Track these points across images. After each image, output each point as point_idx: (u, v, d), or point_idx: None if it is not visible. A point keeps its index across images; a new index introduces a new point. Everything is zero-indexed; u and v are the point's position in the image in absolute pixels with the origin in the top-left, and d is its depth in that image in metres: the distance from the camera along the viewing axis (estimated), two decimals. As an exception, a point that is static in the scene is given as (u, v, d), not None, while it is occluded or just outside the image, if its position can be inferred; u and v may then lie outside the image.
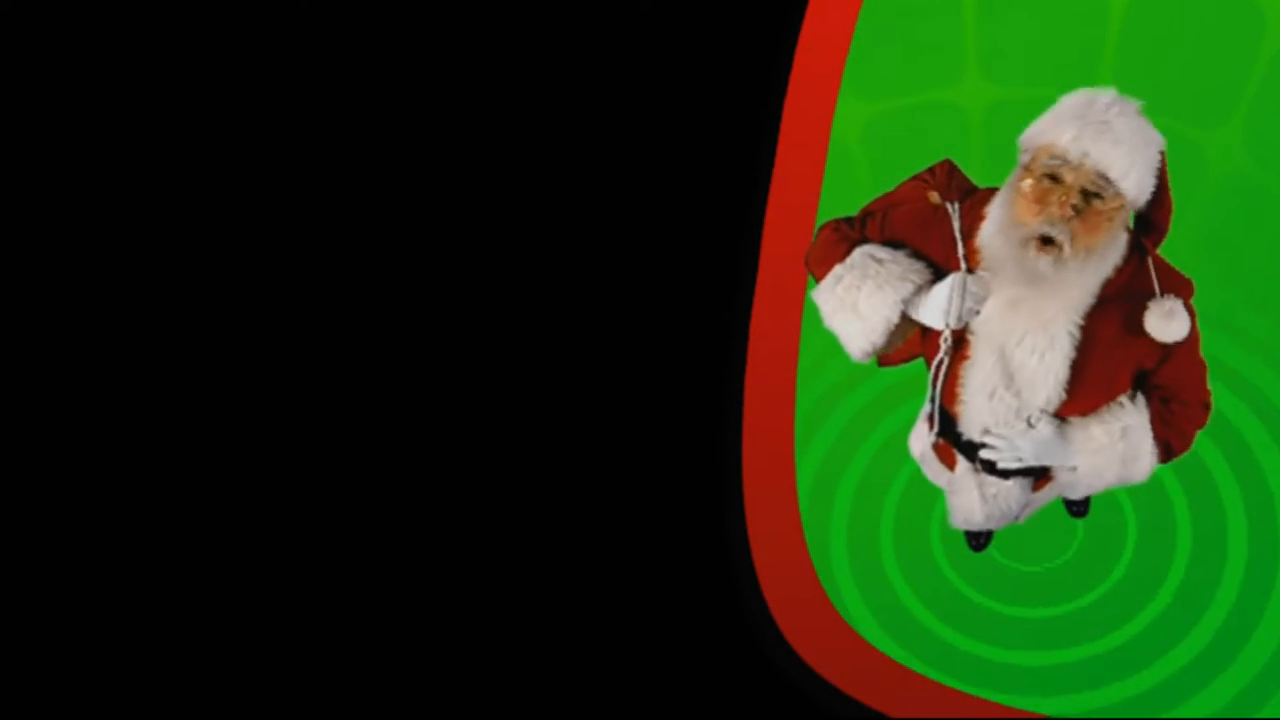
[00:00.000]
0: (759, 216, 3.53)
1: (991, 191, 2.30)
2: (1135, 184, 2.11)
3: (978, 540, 3.25)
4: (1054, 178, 2.10)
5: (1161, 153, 2.17)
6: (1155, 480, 3.17)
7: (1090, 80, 3.40)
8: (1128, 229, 2.22)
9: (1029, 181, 2.12)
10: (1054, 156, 2.10)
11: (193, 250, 3.63)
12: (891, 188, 2.50)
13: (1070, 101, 2.15)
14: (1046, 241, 2.11)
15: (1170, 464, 3.14)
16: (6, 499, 3.42)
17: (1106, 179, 2.09)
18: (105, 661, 3.27)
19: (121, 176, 3.69)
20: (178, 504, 3.41)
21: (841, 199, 3.48)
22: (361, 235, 3.63)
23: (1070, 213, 2.08)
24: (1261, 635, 3.13)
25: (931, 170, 2.49)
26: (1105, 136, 2.09)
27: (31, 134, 3.71)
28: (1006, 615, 3.21)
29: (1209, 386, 2.38)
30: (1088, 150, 2.08)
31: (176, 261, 3.62)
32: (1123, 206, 2.13)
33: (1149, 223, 2.25)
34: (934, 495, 3.22)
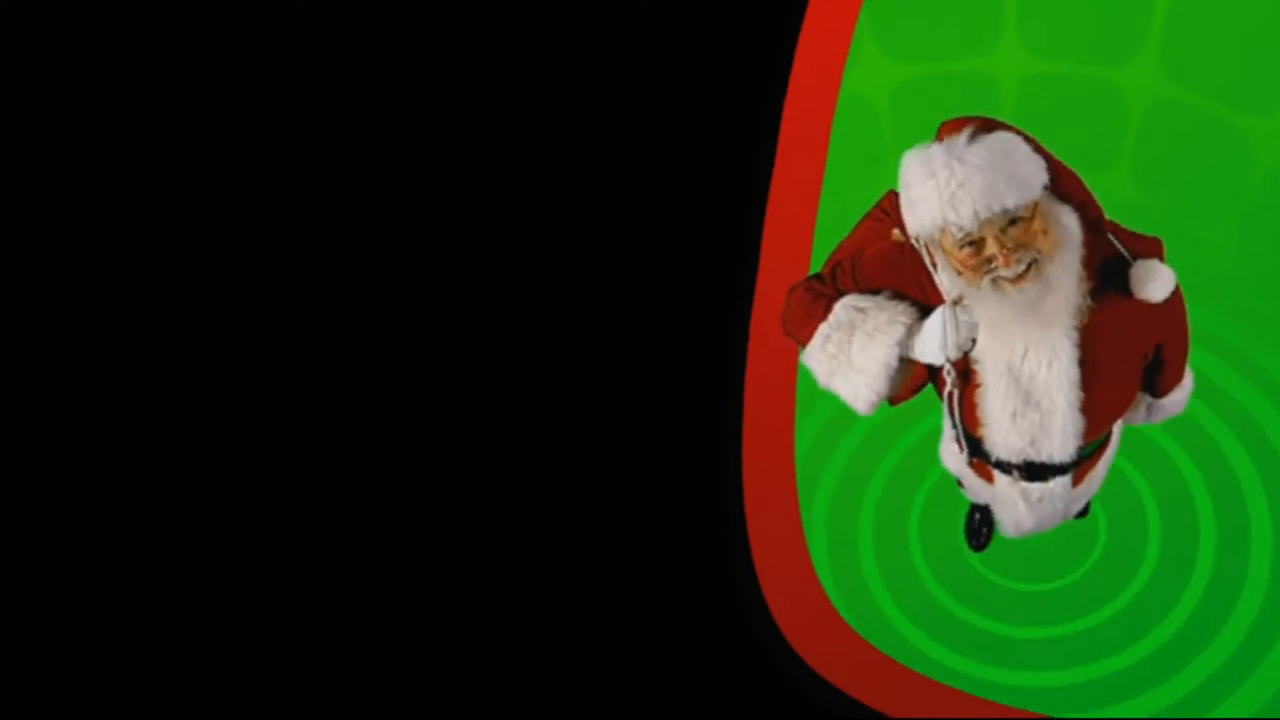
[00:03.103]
0: (759, 216, 3.54)
1: None
2: (1031, 188, 2.05)
3: (978, 540, 3.25)
4: (973, 244, 2.06)
5: (1025, 139, 2.09)
6: (1184, 502, 3.17)
7: (1134, 56, 3.35)
8: (1067, 208, 2.15)
9: (957, 260, 2.09)
10: (955, 234, 2.05)
11: (193, 250, 3.63)
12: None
13: (917, 189, 2.06)
14: (1017, 275, 2.06)
15: (1206, 487, 3.20)
16: (6, 499, 3.42)
17: (1007, 210, 2.03)
18: (105, 661, 3.27)
19: (122, 177, 3.69)
20: (178, 504, 3.41)
21: (868, 165, 3.44)
22: (361, 236, 3.63)
23: (1017, 257, 2.05)
24: (1231, 625, 3.15)
25: (881, 207, 2.43)
26: (972, 189, 2.01)
27: (31, 134, 3.71)
28: (1006, 637, 3.21)
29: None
30: (974, 211, 2.02)
31: (176, 261, 3.62)
32: (1038, 205, 2.06)
33: (1074, 205, 2.17)
34: (929, 498, 3.23)
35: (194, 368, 3.53)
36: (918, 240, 2.15)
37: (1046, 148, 2.15)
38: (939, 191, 2.03)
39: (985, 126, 2.10)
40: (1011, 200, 2.03)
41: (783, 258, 3.48)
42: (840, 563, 3.29)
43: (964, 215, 2.02)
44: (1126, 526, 3.25)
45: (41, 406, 3.50)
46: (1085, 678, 3.14)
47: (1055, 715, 3.13)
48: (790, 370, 3.41)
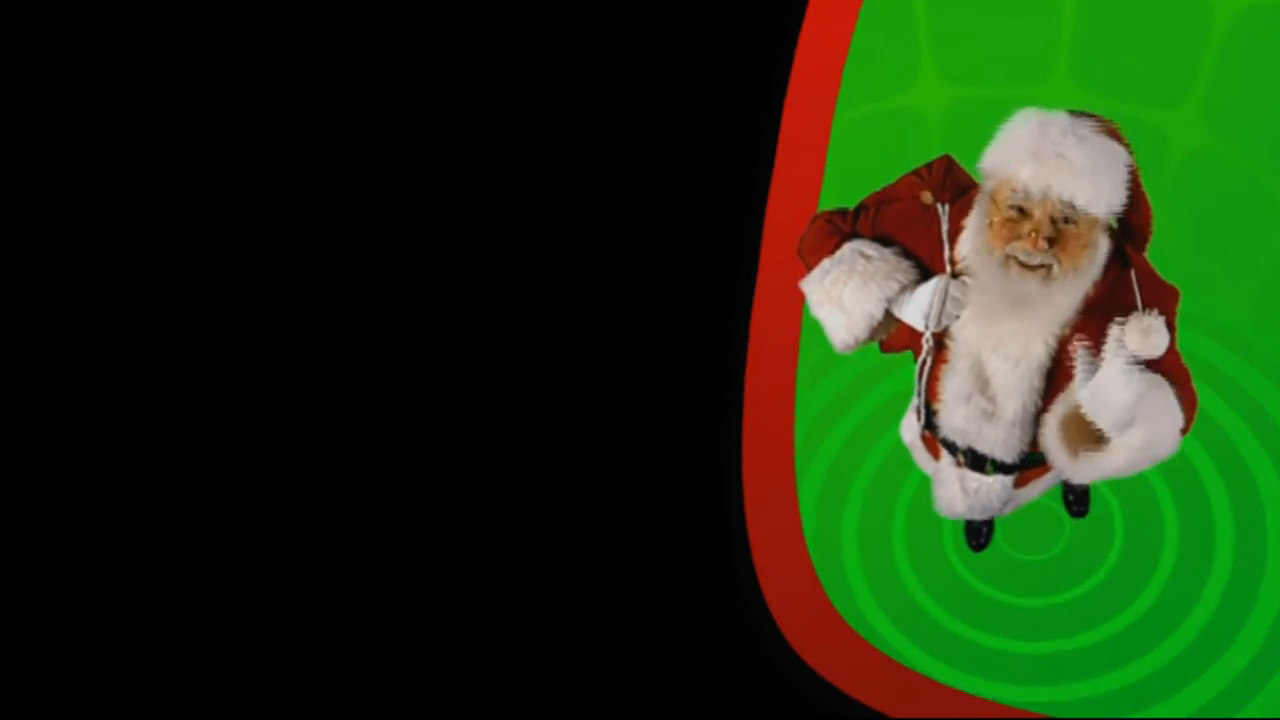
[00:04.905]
0: (759, 216, 3.54)
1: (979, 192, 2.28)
2: (1105, 204, 2.10)
3: (977, 540, 3.25)
4: (1021, 210, 2.10)
5: (1129, 165, 2.14)
6: (1141, 478, 3.21)
7: (1045, 74, 3.62)
8: (1110, 234, 2.20)
9: (997, 216, 2.12)
10: (1016, 191, 2.09)
11: (193, 250, 3.64)
12: (857, 195, 2.50)
13: (1022, 130, 2.12)
14: (1030, 264, 2.10)
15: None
16: (6, 499, 3.42)
17: (1074, 206, 2.08)
18: (105, 661, 3.28)
19: (122, 176, 3.70)
20: (178, 504, 3.41)
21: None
22: (360, 236, 3.63)
23: (1044, 246, 2.08)
24: (1250, 629, 3.16)
25: (929, 166, 2.46)
26: (1064, 168, 2.06)
27: (31, 134, 3.72)
28: (1009, 604, 3.22)
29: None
30: (1049, 183, 2.07)
31: (177, 261, 3.63)
32: (1096, 223, 2.12)
33: (1129, 228, 2.23)
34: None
35: (193, 367, 3.53)
36: (987, 177, 2.16)
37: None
38: (1039, 145, 2.08)
39: (1111, 132, 2.14)
40: (1083, 199, 2.07)
41: (783, 258, 3.47)
42: (873, 566, 3.32)
43: (1038, 181, 2.07)
44: (1140, 537, 3.28)
45: (41, 406, 3.50)
46: (1088, 693, 3.16)
47: (1056, 717, 3.14)
48: (790, 372, 3.41)
